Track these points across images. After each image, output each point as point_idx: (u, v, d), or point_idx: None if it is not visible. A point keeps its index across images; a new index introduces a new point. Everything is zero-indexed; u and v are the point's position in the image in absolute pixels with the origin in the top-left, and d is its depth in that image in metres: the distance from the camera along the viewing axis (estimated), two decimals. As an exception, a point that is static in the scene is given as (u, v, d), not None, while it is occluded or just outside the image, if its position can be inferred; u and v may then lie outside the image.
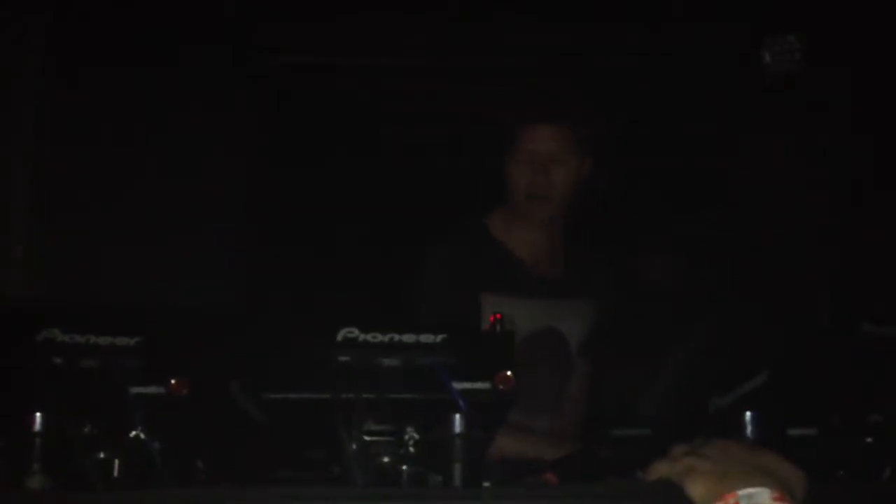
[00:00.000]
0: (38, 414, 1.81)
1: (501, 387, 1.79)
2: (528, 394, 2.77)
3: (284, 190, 5.11)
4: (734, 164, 5.18)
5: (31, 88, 3.51)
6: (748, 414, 1.88)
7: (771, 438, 1.85)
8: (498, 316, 1.86)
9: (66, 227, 3.56)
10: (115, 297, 3.45)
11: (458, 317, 2.72)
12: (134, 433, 1.84)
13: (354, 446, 1.78)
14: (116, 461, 1.84)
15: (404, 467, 1.81)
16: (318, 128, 5.18)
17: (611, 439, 2.31)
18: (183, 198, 4.17)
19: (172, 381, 1.83)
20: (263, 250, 4.94)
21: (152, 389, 1.84)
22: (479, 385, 1.79)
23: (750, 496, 1.30)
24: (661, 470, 1.41)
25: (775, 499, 1.30)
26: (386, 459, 1.80)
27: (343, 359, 1.79)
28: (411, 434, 1.81)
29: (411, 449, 1.81)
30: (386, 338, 1.80)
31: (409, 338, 1.81)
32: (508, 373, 1.80)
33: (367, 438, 1.80)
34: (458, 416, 1.78)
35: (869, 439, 1.93)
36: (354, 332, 1.80)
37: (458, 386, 1.78)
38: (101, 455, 1.83)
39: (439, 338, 1.81)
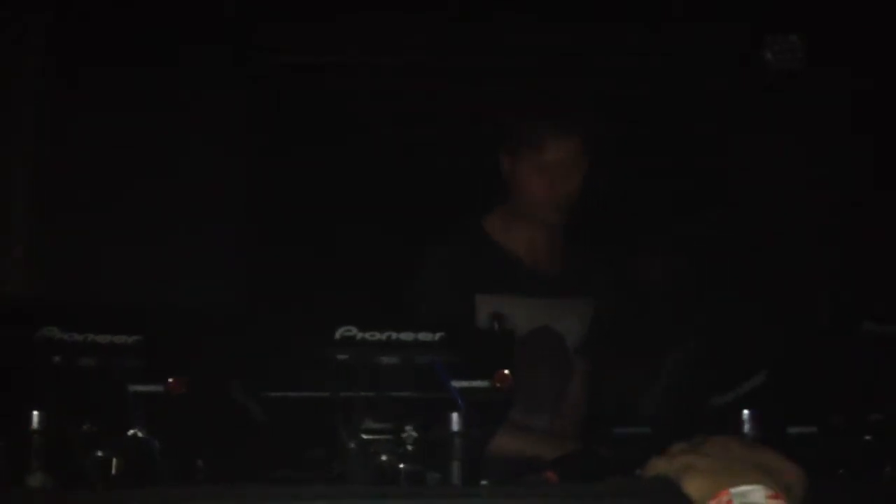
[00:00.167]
0: (37, 412, 1.81)
1: (500, 385, 1.79)
2: (528, 393, 2.77)
3: (284, 190, 5.11)
4: (734, 164, 5.18)
5: (31, 88, 3.51)
6: (748, 412, 1.87)
7: (771, 437, 1.84)
8: (498, 315, 1.86)
9: (66, 227, 3.56)
10: (115, 297, 3.45)
11: (457, 316, 2.72)
12: (133, 432, 1.84)
13: (353, 445, 1.78)
14: (115, 460, 1.84)
15: (403, 466, 1.81)
16: (318, 128, 5.18)
17: (611, 438, 2.31)
18: (183, 198, 4.17)
19: (171, 380, 1.83)
20: (263, 250, 4.94)
21: (151, 388, 1.84)
22: (477, 384, 1.79)
23: (744, 494, 1.29)
24: (658, 467, 1.40)
25: (770, 497, 1.29)
26: (385, 458, 1.80)
27: (342, 357, 1.79)
28: (410, 432, 1.81)
29: (410, 447, 1.81)
30: (384, 336, 1.80)
31: (407, 336, 1.81)
32: (507, 371, 1.80)
33: (365, 437, 1.80)
34: (456, 415, 1.78)
35: (869, 438, 1.93)
36: (353, 330, 1.80)
37: (456, 384, 1.78)
38: (101, 453, 1.83)
39: (438, 336, 1.81)
